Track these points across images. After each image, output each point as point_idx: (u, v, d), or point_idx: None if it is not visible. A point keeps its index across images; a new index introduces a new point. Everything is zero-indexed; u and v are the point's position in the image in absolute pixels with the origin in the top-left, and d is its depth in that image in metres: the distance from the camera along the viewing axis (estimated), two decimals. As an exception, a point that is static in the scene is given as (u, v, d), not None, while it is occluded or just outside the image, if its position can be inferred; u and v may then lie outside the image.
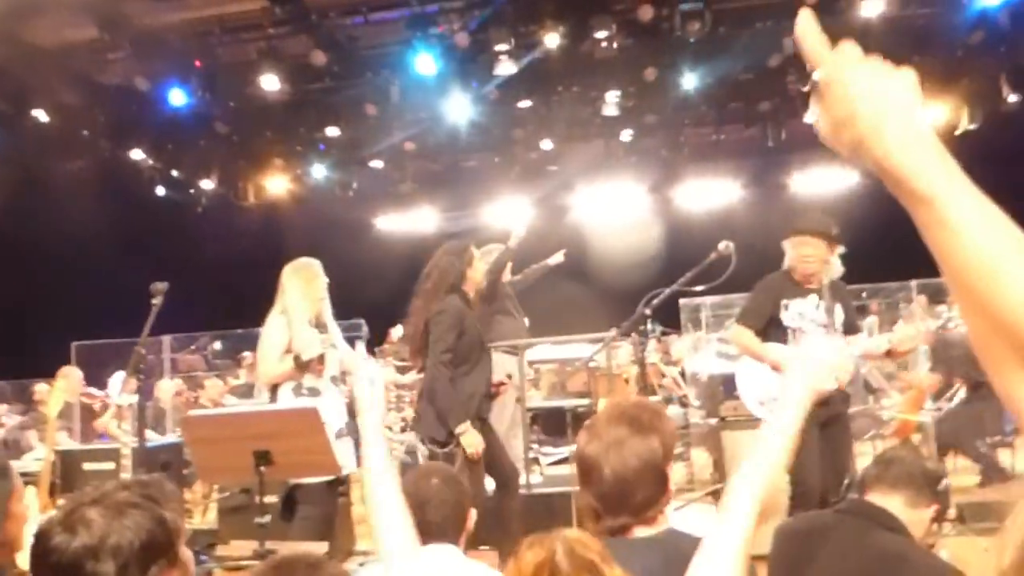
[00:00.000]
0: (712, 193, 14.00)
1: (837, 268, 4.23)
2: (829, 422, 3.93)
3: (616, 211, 14.09)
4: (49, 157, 11.61)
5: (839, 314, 4.18)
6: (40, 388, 6.86)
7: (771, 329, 4.13)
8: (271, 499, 3.56)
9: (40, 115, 10.44)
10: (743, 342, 4.11)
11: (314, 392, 3.99)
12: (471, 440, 3.91)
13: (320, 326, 4.13)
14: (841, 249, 4.22)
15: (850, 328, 4.22)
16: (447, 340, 4.02)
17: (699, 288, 3.95)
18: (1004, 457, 6.37)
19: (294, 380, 4.01)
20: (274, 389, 4.04)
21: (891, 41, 9.18)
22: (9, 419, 6.86)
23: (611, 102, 11.08)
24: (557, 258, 6.37)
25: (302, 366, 3.97)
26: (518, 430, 5.40)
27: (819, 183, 13.86)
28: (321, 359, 4.03)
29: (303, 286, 4.12)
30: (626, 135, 12.44)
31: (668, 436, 1.75)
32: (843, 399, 4.13)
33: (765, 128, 12.22)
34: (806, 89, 0.94)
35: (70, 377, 6.71)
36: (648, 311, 3.56)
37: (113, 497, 1.31)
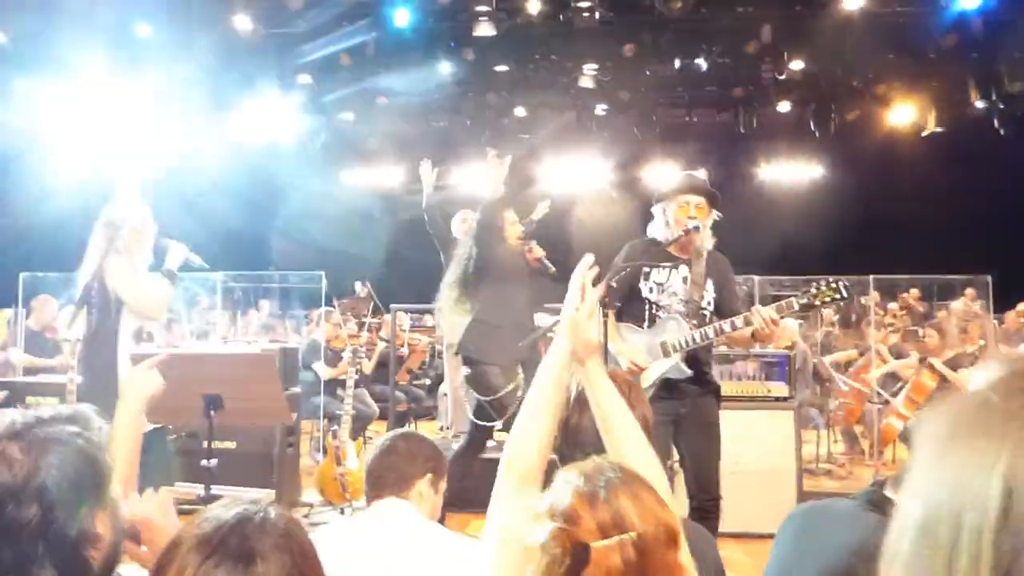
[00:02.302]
0: (679, 175, 14.08)
1: (709, 237, 3.80)
2: (682, 419, 3.61)
3: (582, 184, 14.08)
4: (5, 79, 11.18)
5: (710, 291, 3.76)
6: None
7: (630, 304, 3.74)
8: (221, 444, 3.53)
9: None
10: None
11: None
12: None
13: None
14: (715, 215, 3.81)
15: (724, 311, 3.72)
16: None
17: (664, 265, 3.87)
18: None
19: None
20: None
21: (868, 36, 9.27)
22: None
23: (588, 74, 11.03)
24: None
25: None
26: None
27: (786, 173, 14.03)
28: None
29: None
30: (600, 109, 12.41)
31: (647, 410, 1.85)
32: (700, 392, 3.70)
33: (737, 114, 12.29)
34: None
35: (40, 307, 6.55)
36: (614, 284, 3.54)
37: (38, 432, 1.21)
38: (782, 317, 3.45)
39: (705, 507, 3.53)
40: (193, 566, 0.95)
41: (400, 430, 2.40)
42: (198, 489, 3.30)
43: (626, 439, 1.61)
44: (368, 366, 7.56)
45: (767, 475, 4.89)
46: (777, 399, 5.12)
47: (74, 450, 1.21)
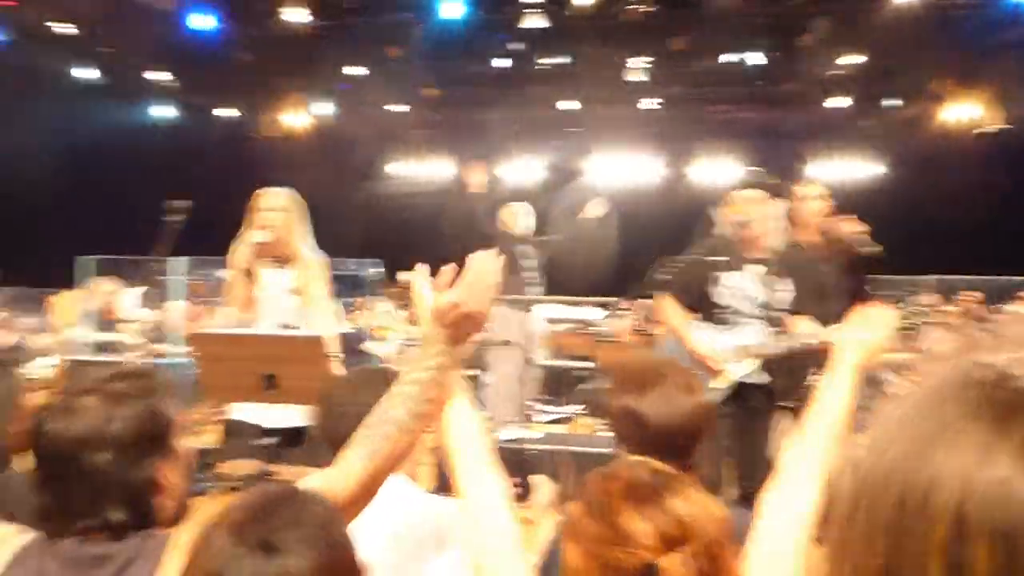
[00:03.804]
0: (726, 172, 13.93)
1: (781, 230, 3.69)
2: (745, 416, 3.51)
3: (630, 180, 14.02)
4: (68, 68, 11.55)
5: (785, 291, 3.59)
6: (52, 299, 6.92)
7: (702, 307, 3.59)
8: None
9: (66, 28, 10.38)
10: (666, 318, 3.67)
11: None
12: None
13: None
14: (783, 205, 3.68)
15: (799, 309, 3.55)
16: None
17: (709, 260, 3.85)
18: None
19: None
20: None
21: (924, 30, 9.09)
22: (21, 325, 6.94)
23: (637, 68, 10.99)
24: (596, 207, 6.20)
25: None
26: (517, 385, 5.46)
27: (836, 171, 13.79)
28: None
29: None
30: (648, 104, 12.36)
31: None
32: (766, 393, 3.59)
33: (787, 110, 12.13)
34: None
35: (99, 289, 6.76)
36: (665, 278, 3.53)
37: (110, 387, 1.31)
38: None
39: (750, 496, 3.52)
40: (223, 553, 0.95)
41: (347, 377, 1.99)
42: (254, 466, 3.39)
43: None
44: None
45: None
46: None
47: (143, 405, 1.31)
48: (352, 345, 7.39)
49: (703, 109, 12.38)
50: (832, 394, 1.45)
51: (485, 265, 1.38)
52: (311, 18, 9.96)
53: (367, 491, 1.36)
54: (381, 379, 1.83)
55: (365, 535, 1.65)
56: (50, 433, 1.26)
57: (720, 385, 3.52)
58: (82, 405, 1.27)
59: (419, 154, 14.55)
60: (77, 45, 11.03)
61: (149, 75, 11.91)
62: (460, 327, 1.36)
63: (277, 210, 3.60)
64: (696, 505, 1.07)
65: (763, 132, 12.95)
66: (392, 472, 1.41)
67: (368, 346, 7.25)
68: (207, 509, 1.46)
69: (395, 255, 10.98)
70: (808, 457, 1.40)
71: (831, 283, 3.80)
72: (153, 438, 1.30)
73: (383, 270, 7.68)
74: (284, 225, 3.61)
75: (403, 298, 10.33)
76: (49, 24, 10.30)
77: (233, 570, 0.93)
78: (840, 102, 11.66)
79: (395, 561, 1.69)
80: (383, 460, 1.35)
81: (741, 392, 3.57)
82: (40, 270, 7.98)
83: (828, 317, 3.57)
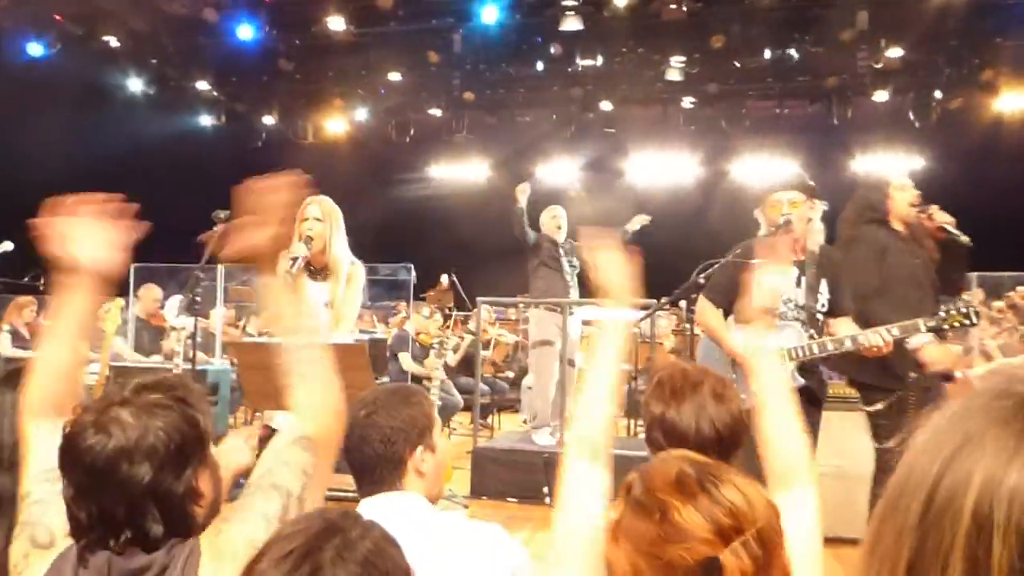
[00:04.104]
0: (769, 168, 13.74)
1: (820, 231, 3.61)
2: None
3: (669, 179, 13.92)
4: (115, 80, 11.85)
5: (824, 293, 3.54)
6: (103, 304, 7.09)
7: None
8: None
9: (111, 40, 10.65)
10: (704, 320, 3.64)
11: None
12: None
13: None
14: (823, 205, 3.60)
15: (837, 311, 3.52)
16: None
17: (753, 261, 3.80)
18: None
19: None
20: None
21: (973, 19, 8.86)
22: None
23: (675, 67, 10.90)
24: (639, 222, 6.21)
25: None
26: (557, 387, 5.46)
27: (883, 165, 13.50)
28: None
29: None
30: (687, 102, 12.25)
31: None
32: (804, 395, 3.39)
33: (831, 105, 11.92)
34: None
35: (145, 296, 6.93)
36: (702, 279, 3.49)
37: (144, 398, 1.30)
38: (903, 338, 3.30)
39: None
40: None
41: (365, 402, 1.82)
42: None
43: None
44: (454, 359, 7.70)
45: (857, 479, 4.75)
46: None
47: (178, 414, 1.31)
48: (394, 351, 7.48)
49: (743, 106, 12.23)
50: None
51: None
52: (351, 25, 10.08)
53: (336, 419, 1.50)
54: (400, 400, 1.85)
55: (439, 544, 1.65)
56: (85, 447, 1.26)
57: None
58: (116, 418, 1.27)
59: (458, 157, 14.63)
60: (125, 57, 11.32)
61: (195, 85, 12.16)
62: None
63: (314, 220, 3.63)
64: (745, 492, 1.05)
65: (806, 128, 12.74)
66: (340, 394, 1.52)
67: (403, 357, 7.33)
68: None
69: (434, 259, 11.10)
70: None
71: (874, 284, 3.73)
72: (188, 448, 1.31)
73: (414, 274, 7.73)
74: (321, 235, 3.64)
75: (443, 302, 10.41)
76: (100, 37, 10.58)
77: None
78: (885, 95, 11.42)
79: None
80: (329, 388, 1.49)
81: None
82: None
83: (870, 317, 3.51)
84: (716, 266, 3.63)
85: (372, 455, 1.76)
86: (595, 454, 1.45)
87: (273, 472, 1.39)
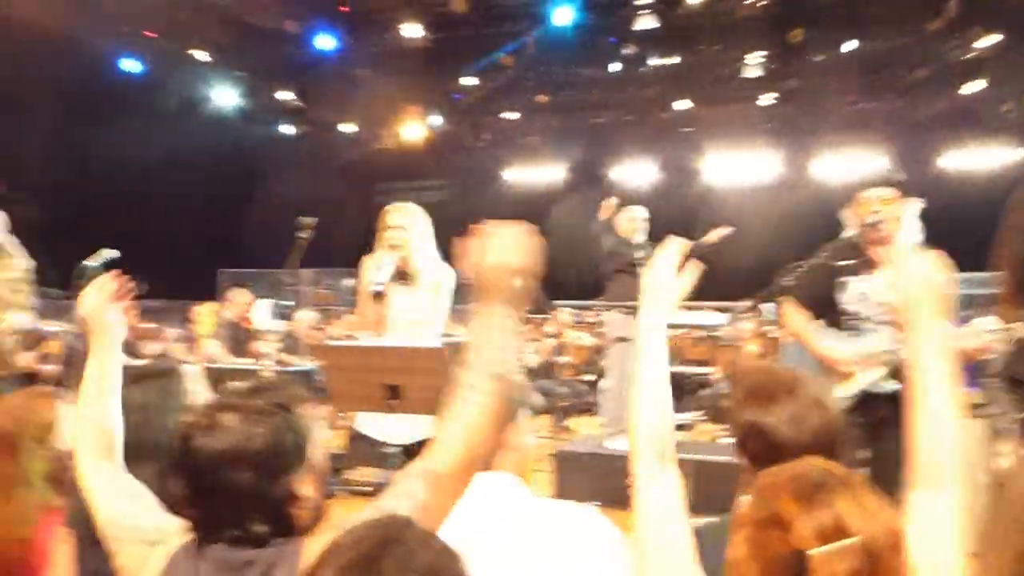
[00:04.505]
0: (853, 165, 13.32)
1: (915, 231, 3.43)
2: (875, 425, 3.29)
3: (748, 179, 13.65)
4: (204, 93, 12.33)
5: None
6: (196, 309, 7.37)
7: (828, 313, 3.43)
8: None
9: (200, 55, 11.08)
10: (791, 324, 3.52)
11: None
12: None
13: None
14: (918, 203, 3.45)
15: None
16: None
17: (836, 264, 3.69)
18: None
19: None
20: None
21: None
22: (167, 336, 7.46)
23: (752, 64, 10.69)
24: (717, 235, 6.07)
25: None
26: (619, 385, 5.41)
27: (974, 160, 12.94)
28: None
29: None
30: (765, 100, 12.00)
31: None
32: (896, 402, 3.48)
33: (918, 98, 11.49)
34: None
35: (236, 300, 7.19)
36: (788, 282, 3.41)
37: (248, 404, 1.35)
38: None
39: None
40: None
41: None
42: (379, 473, 3.52)
43: None
44: (533, 361, 7.73)
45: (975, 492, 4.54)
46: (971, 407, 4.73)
47: (280, 419, 1.35)
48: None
49: (825, 102, 11.90)
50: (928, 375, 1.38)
51: (501, 231, 1.44)
52: (427, 32, 10.24)
53: (470, 464, 1.38)
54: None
55: (477, 537, 1.61)
56: (193, 449, 1.32)
57: (847, 392, 3.39)
58: (223, 422, 1.32)
59: (533, 160, 14.68)
60: (214, 70, 11.76)
61: (278, 95, 12.55)
62: (488, 282, 1.39)
63: (401, 227, 3.69)
64: (861, 506, 1.05)
65: (892, 123, 12.32)
66: (492, 443, 1.44)
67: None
68: (338, 516, 1.51)
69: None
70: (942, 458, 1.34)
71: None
72: (291, 453, 1.34)
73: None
74: (409, 242, 3.69)
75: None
76: (190, 52, 11.02)
77: None
78: (976, 87, 10.93)
79: (507, 565, 1.68)
80: (479, 431, 1.37)
81: (869, 401, 3.43)
82: (185, 283, 8.58)
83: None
84: (803, 268, 3.55)
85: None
86: (663, 455, 1.43)
87: (387, 497, 1.41)
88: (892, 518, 1.06)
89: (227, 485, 1.31)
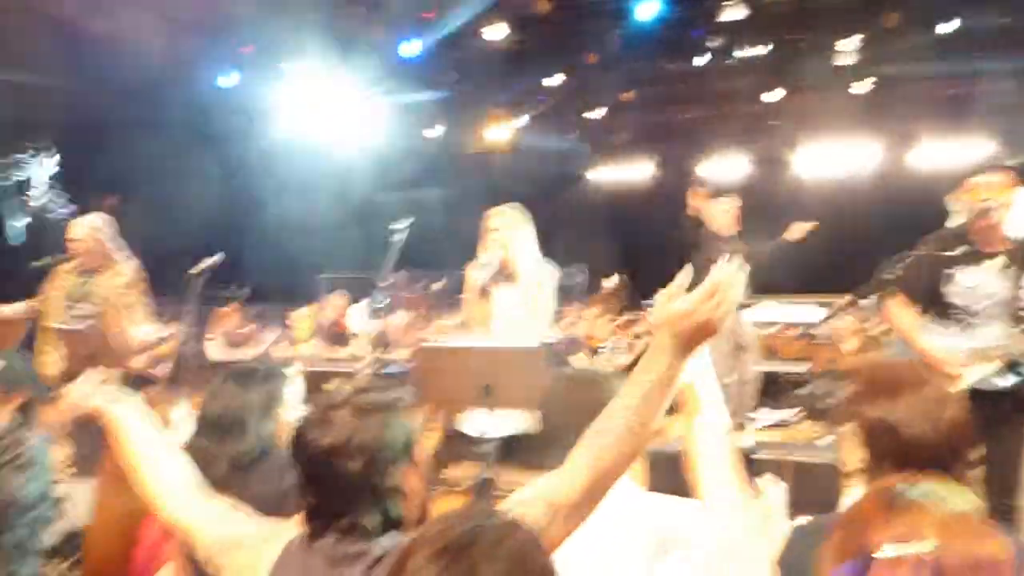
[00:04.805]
0: (958, 154, 12.68)
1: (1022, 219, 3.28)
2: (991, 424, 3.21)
3: (843, 169, 13.20)
4: (295, 103, 12.72)
5: None
6: (294, 314, 7.66)
7: (934, 307, 3.35)
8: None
9: (290, 65, 11.44)
10: (895, 320, 3.41)
11: None
12: None
13: None
14: None
15: None
16: None
17: (942, 255, 3.54)
18: None
19: None
20: None
21: None
22: (266, 339, 7.75)
23: (847, 50, 10.32)
24: (798, 231, 5.89)
25: None
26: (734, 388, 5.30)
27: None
28: None
29: None
30: (861, 87, 11.56)
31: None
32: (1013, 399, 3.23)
33: (1025, 79, 10.87)
34: None
35: (332, 303, 7.43)
36: (890, 275, 3.29)
37: (358, 400, 1.43)
38: None
39: (1000, 511, 3.23)
40: None
41: (566, 371, 1.92)
42: (473, 471, 3.57)
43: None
44: (627, 360, 7.65)
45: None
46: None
47: (387, 416, 1.43)
48: (560, 356, 7.55)
49: (924, 87, 11.38)
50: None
51: (727, 276, 1.36)
52: (510, 33, 10.29)
53: (591, 497, 1.37)
54: (593, 383, 1.87)
55: (590, 533, 1.60)
56: (307, 442, 1.41)
57: (956, 389, 3.25)
58: (334, 417, 1.41)
59: (620, 158, 14.57)
60: (303, 82, 12.11)
61: (368, 101, 12.82)
62: (692, 337, 1.34)
63: (502, 229, 3.89)
64: (949, 526, 1.02)
65: (999, 107, 11.68)
66: (616, 480, 1.42)
67: (574, 360, 7.37)
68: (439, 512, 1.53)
69: (600, 261, 11.11)
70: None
71: None
72: (397, 447, 1.42)
73: (586, 277, 7.76)
74: (511, 242, 3.88)
75: (610, 304, 10.39)
76: (280, 65, 11.40)
77: None
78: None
79: (620, 561, 1.68)
80: (607, 467, 1.36)
81: (984, 399, 3.27)
82: (286, 288, 8.90)
83: None
84: (906, 260, 3.41)
85: (561, 424, 1.76)
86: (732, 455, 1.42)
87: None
88: (990, 546, 1.01)
89: (337, 475, 1.38)
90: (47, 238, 6.06)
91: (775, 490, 1.78)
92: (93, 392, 1.90)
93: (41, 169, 5.22)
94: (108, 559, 2.23)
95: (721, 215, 5.77)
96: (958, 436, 1.58)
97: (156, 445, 1.74)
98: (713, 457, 1.41)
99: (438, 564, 0.98)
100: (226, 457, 2.00)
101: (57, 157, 5.26)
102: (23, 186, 5.13)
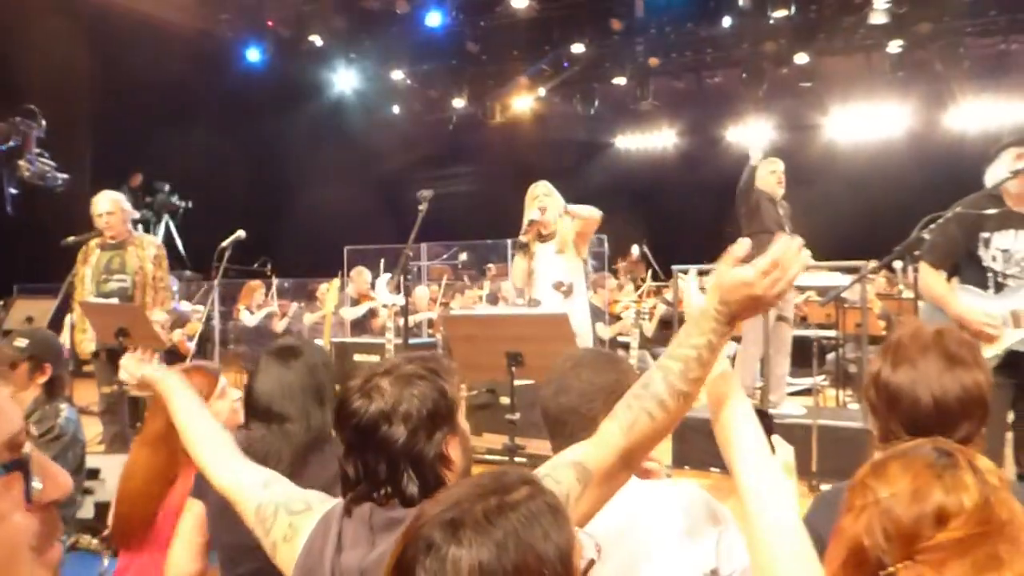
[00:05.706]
0: (995, 114, 12.37)
1: None
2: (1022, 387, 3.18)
3: (876, 133, 12.94)
4: (321, 77, 12.76)
5: None
6: (321, 287, 7.72)
7: (967, 270, 3.30)
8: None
9: (316, 39, 11.45)
10: (927, 285, 3.37)
11: None
12: None
13: None
14: None
15: None
16: None
17: (977, 217, 3.46)
18: None
19: None
20: None
21: None
22: (294, 311, 7.84)
23: (879, 9, 10.06)
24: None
25: None
26: (768, 351, 5.22)
27: None
28: None
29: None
30: (894, 47, 11.28)
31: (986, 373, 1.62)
32: None
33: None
34: None
35: (358, 276, 7.49)
36: (926, 234, 3.21)
37: (402, 370, 1.44)
38: None
39: None
40: (423, 534, 0.97)
41: (573, 356, 1.81)
42: (502, 439, 3.58)
43: None
44: (649, 328, 7.65)
45: None
46: None
47: (431, 385, 1.44)
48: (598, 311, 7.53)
49: (961, 45, 11.06)
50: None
51: (787, 251, 1.31)
52: (533, 1, 10.18)
53: (625, 465, 1.35)
54: (606, 361, 1.84)
55: (644, 508, 1.62)
56: (352, 410, 1.42)
57: (991, 353, 3.20)
58: (379, 386, 1.42)
59: (645, 125, 14.42)
60: (329, 54, 12.14)
61: (391, 75, 12.82)
62: (743, 307, 1.31)
63: (543, 195, 4.64)
64: (972, 489, 1.01)
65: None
66: (651, 449, 1.40)
67: (598, 326, 7.36)
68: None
69: (623, 230, 11.06)
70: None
71: None
72: (439, 416, 1.42)
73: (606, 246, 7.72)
74: (550, 207, 4.60)
75: (633, 272, 10.35)
76: (307, 38, 11.41)
77: (424, 551, 0.95)
78: None
79: (675, 535, 1.67)
80: (642, 435, 1.34)
81: (1016, 362, 3.22)
82: (314, 262, 9.00)
83: None
84: (940, 223, 3.34)
85: (567, 407, 1.71)
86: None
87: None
88: (1005, 502, 1.01)
89: (381, 443, 1.40)
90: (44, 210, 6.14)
91: (783, 450, 1.76)
92: (141, 366, 2.05)
93: (31, 135, 5.28)
94: (134, 517, 2.31)
95: (771, 175, 5.50)
96: (979, 401, 1.56)
97: (203, 416, 1.79)
98: (751, 442, 1.39)
99: (444, 520, 0.97)
100: (289, 447, 1.99)
101: (44, 123, 5.30)
102: (15, 153, 5.17)
